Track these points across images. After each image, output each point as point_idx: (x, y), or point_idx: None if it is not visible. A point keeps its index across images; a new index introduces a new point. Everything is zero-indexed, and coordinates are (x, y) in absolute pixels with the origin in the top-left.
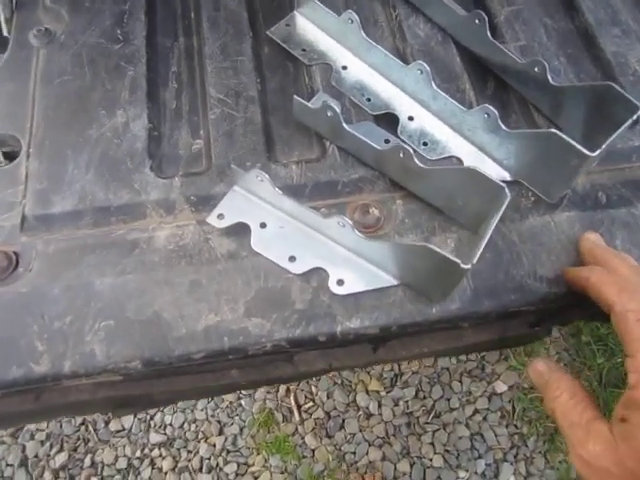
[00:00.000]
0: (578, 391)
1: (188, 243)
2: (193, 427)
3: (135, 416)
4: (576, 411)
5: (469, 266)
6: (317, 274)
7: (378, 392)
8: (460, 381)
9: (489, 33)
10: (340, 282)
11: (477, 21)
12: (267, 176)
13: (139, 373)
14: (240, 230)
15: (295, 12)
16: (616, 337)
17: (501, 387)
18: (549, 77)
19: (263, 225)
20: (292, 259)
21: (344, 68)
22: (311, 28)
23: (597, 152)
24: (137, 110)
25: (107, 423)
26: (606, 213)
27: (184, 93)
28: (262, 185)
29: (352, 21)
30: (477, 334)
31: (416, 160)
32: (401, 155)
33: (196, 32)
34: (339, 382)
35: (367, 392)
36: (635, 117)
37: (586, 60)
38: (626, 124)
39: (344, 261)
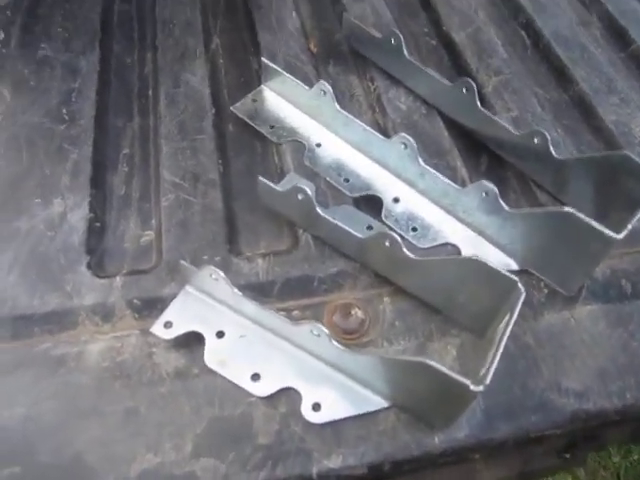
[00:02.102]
0: None
1: (127, 359)
2: None
3: None
4: None
5: (481, 388)
6: (287, 396)
7: None
8: None
9: (479, 103)
10: (316, 407)
11: (465, 90)
12: (222, 274)
13: None
14: (192, 341)
15: (262, 86)
16: None
17: None
18: (551, 149)
19: (220, 334)
20: (255, 377)
21: (318, 145)
22: (280, 102)
23: (623, 234)
24: (77, 198)
25: None
26: (634, 304)
27: (135, 178)
28: (218, 285)
29: (325, 93)
30: (492, 468)
31: (405, 250)
32: (387, 244)
33: (153, 110)
34: None
35: None
36: None
37: (585, 131)
38: None
39: (321, 379)
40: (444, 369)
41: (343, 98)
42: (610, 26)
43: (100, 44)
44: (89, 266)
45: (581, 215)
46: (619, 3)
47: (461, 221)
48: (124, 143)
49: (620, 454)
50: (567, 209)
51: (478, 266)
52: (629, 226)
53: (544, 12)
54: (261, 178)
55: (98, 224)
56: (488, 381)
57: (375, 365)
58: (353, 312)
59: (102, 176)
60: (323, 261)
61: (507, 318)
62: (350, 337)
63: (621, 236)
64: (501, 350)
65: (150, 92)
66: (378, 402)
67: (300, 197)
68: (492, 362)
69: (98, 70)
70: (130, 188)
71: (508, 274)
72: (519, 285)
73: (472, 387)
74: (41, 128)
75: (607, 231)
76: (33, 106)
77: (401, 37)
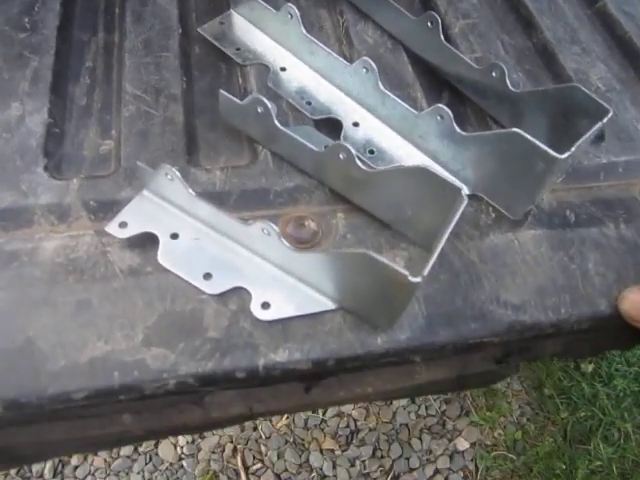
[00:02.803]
0: None
1: (81, 256)
2: None
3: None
4: None
5: (419, 279)
6: (237, 295)
7: (333, 451)
8: (420, 438)
9: (442, 37)
10: (265, 305)
11: (430, 24)
12: (178, 174)
13: None
14: (147, 242)
15: (231, 10)
16: (580, 390)
17: (463, 444)
18: (508, 83)
19: (174, 236)
20: (207, 277)
21: (283, 69)
22: (248, 27)
23: (566, 154)
24: (37, 104)
25: None
26: (576, 232)
27: (97, 90)
28: (173, 186)
29: (292, 16)
30: (431, 371)
31: (358, 162)
32: (341, 157)
33: (118, 27)
34: (291, 440)
35: (321, 451)
36: (606, 120)
37: (545, 76)
38: (597, 126)
39: (271, 280)
40: (385, 259)
41: (312, 30)
42: None
43: None
44: (46, 168)
45: (527, 135)
46: None
47: (417, 146)
48: (87, 56)
49: (568, 411)
50: (514, 129)
51: (426, 175)
52: (572, 149)
53: None
54: (222, 91)
55: (57, 130)
56: (426, 272)
57: (321, 262)
58: (307, 223)
59: (63, 86)
60: (280, 176)
61: (450, 219)
62: (302, 246)
63: (564, 156)
64: (440, 246)
65: (117, 10)
66: (325, 303)
67: (260, 110)
68: (431, 257)
69: None
70: (91, 99)
71: (453, 181)
72: (462, 192)
73: (410, 277)
74: (1, 35)
75: (550, 150)
76: None
77: None
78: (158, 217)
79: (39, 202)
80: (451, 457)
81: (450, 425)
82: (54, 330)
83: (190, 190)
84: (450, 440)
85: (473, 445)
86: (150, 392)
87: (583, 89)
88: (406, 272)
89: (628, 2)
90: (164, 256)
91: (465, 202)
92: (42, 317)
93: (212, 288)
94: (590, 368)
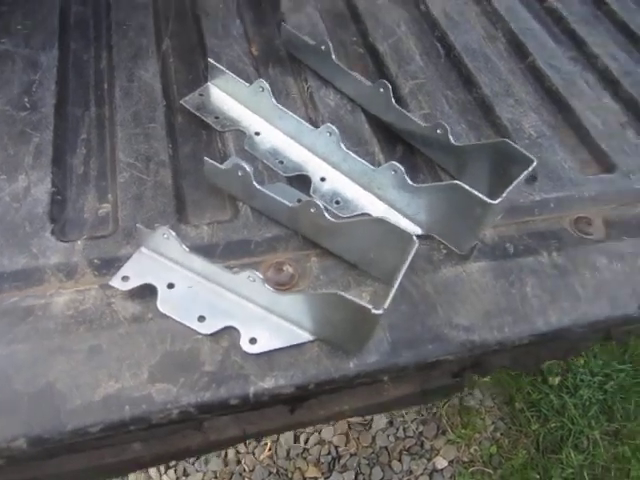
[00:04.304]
0: None
1: (89, 308)
2: None
3: None
4: None
5: (380, 311)
6: (228, 334)
7: (316, 479)
8: (400, 460)
9: (393, 100)
10: (253, 340)
11: (381, 89)
12: (173, 233)
13: (24, 454)
14: (146, 292)
15: (209, 83)
16: (549, 402)
17: (441, 462)
18: (450, 138)
19: (171, 286)
20: (201, 319)
21: (257, 134)
22: (224, 97)
23: (498, 200)
24: (40, 174)
25: None
26: (514, 262)
27: (93, 159)
28: (169, 244)
29: (263, 89)
30: (398, 388)
31: (326, 215)
32: (312, 210)
33: (108, 101)
34: (274, 471)
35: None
36: (530, 169)
37: (485, 126)
38: (523, 174)
39: (257, 319)
40: (351, 297)
41: (280, 96)
42: (512, 41)
43: (58, 42)
44: (53, 232)
45: (466, 186)
46: (520, 22)
47: (377, 196)
48: (82, 129)
49: (539, 422)
50: (455, 182)
51: (382, 224)
52: (503, 195)
53: (457, 28)
54: (207, 158)
55: (60, 197)
56: (386, 306)
57: (299, 301)
58: (285, 268)
59: (62, 157)
60: (260, 228)
61: (404, 260)
62: (282, 288)
63: (496, 202)
64: (397, 283)
65: (106, 85)
66: (304, 336)
67: (240, 173)
68: (390, 292)
69: (57, 65)
70: (88, 168)
71: (405, 230)
72: (414, 237)
73: (373, 310)
74: (4, 115)
75: (485, 198)
76: None
77: (330, 45)
78: (156, 270)
79: (49, 262)
80: (431, 476)
81: (428, 445)
82: (70, 374)
83: (184, 246)
84: (429, 459)
85: (451, 463)
86: (157, 421)
87: (511, 143)
88: (370, 306)
89: (554, 57)
90: (162, 303)
91: (416, 245)
92: (59, 363)
93: (206, 329)
94: (557, 380)
